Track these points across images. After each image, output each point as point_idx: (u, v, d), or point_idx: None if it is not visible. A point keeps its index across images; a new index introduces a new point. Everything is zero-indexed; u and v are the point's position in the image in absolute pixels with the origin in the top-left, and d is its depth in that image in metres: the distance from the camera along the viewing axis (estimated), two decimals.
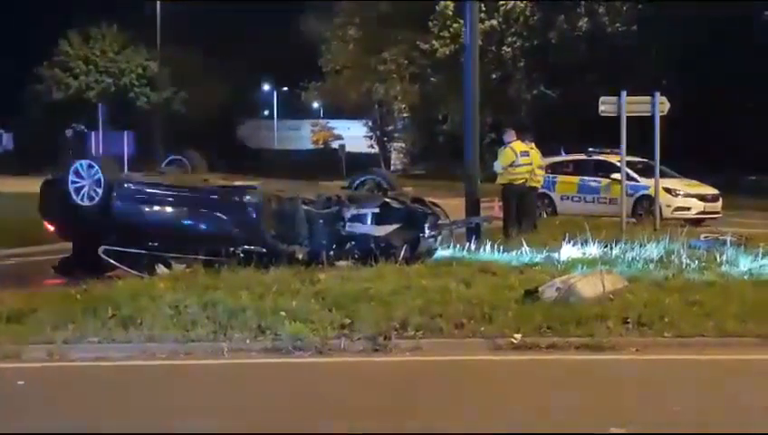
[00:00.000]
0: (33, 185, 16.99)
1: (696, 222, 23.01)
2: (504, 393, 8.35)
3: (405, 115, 57.19)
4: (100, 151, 44.80)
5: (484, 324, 10.22)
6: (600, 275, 11.56)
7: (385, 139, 59.30)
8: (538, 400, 8.10)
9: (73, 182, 13.76)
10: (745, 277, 12.83)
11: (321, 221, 13.86)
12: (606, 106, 19.71)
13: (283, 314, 10.26)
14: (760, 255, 14.11)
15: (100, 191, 13.63)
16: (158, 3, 49.09)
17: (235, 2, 56.29)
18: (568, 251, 14.76)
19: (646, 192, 22.76)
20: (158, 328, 9.93)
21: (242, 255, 13.12)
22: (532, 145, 18.94)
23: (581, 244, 15.16)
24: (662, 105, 19.60)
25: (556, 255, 14.45)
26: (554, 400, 8.07)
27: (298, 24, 54.54)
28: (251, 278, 11.80)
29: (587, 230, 15.36)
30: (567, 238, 15.39)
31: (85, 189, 13.71)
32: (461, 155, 17.82)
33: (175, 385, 8.70)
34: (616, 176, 22.08)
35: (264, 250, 13.28)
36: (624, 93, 19.52)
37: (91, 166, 13.81)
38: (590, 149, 25.39)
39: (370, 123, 59.36)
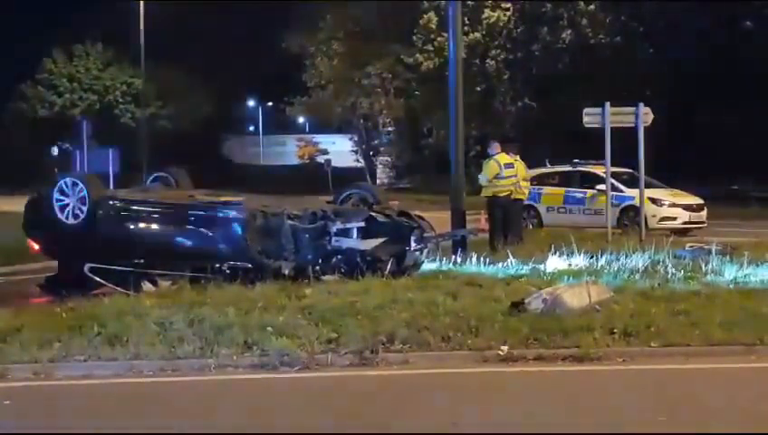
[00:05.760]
0: (17, 203, 16.94)
1: (681, 232, 23.08)
2: (491, 406, 8.35)
3: (390, 129, 57.23)
4: (85, 169, 44.61)
5: (471, 337, 10.23)
6: (585, 285, 11.59)
7: (370, 153, 59.27)
8: (525, 411, 8.11)
9: (58, 200, 13.71)
10: (730, 286, 12.88)
11: (306, 236, 13.84)
12: (590, 117, 19.78)
13: (269, 329, 10.25)
14: (745, 264, 14.17)
15: (85, 209, 13.58)
16: (142, 19, 49.04)
17: (219, 13, 56.31)
18: (554, 262, 14.79)
19: (631, 202, 22.83)
20: (144, 345, 9.89)
21: (228, 271, 13.11)
22: (517, 157, 18.98)
23: (567, 255, 15.18)
24: (646, 116, 19.65)
25: (542, 266, 14.47)
26: (541, 411, 8.08)
27: (283, 39, 54.52)
28: (237, 294, 11.78)
29: (573, 241, 15.38)
30: (553, 250, 15.42)
31: (70, 207, 13.66)
32: (446, 168, 17.84)
33: (162, 402, 8.67)
34: (601, 187, 22.13)
35: (250, 266, 13.27)
36: (608, 105, 19.59)
37: (75, 183, 13.76)
38: (576, 160, 25.47)
39: (356, 138, 59.36)
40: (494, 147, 18.67)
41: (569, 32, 43.86)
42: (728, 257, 14.90)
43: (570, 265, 14.75)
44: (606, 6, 43.55)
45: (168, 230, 13.70)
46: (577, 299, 11.09)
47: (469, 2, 42.33)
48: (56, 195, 13.72)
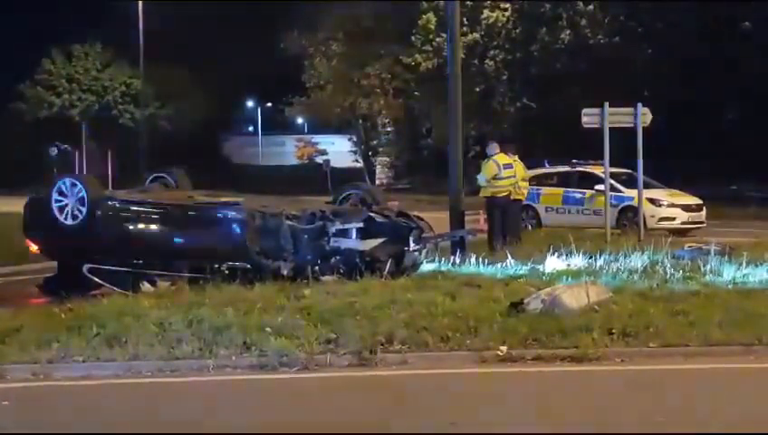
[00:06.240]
0: (16, 204, 16.94)
1: (680, 232, 23.09)
2: (490, 406, 8.35)
3: (389, 129, 57.25)
4: (84, 169, 44.68)
5: (470, 337, 10.24)
6: (584, 286, 11.59)
7: (369, 153, 59.31)
8: (524, 412, 8.11)
9: (57, 201, 13.70)
10: (729, 286, 12.89)
11: (305, 236, 13.85)
12: (588, 118, 19.82)
13: (268, 330, 10.25)
14: (743, 264, 14.17)
15: (83, 210, 13.58)
16: (141, 19, 49.06)
17: (218, 14, 56.28)
18: (553, 263, 14.79)
19: (630, 203, 22.82)
20: (143, 346, 9.89)
21: (227, 271, 13.10)
22: (516, 158, 19.00)
23: (566, 255, 15.19)
24: (644, 116, 19.70)
25: (541, 267, 14.48)
26: (540, 412, 8.08)
27: (282, 40, 54.53)
28: (236, 295, 11.78)
29: (571, 242, 15.38)
30: (552, 250, 15.42)
31: (69, 208, 13.66)
32: (445, 168, 17.86)
33: (161, 403, 8.67)
34: (600, 187, 22.15)
35: (249, 266, 13.27)
36: (606, 105, 19.62)
37: (74, 184, 13.76)
38: (574, 160, 25.47)
39: (354, 138, 59.40)
40: (493, 147, 18.69)
41: (567, 32, 43.87)
42: (727, 258, 14.90)
43: (568, 265, 14.76)
44: (605, 6, 43.56)
45: (167, 231, 13.71)
46: (576, 299, 11.09)
47: (468, 2, 42.36)
48: (55, 195, 13.71)
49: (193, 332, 10.24)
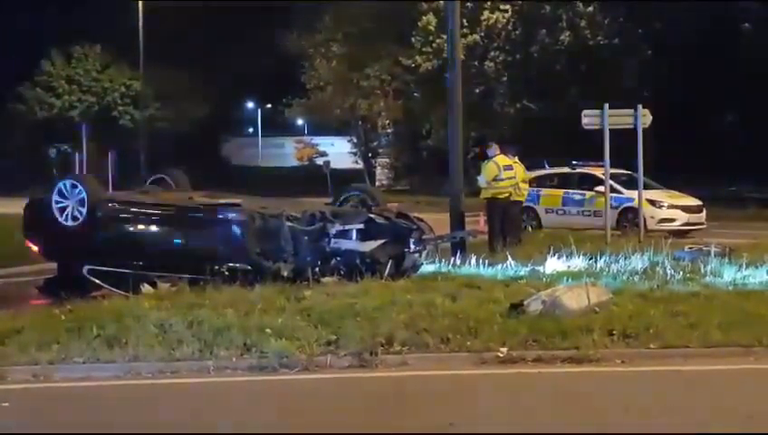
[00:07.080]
0: (16, 205, 16.94)
1: (680, 233, 23.09)
2: (489, 407, 8.35)
3: (389, 130, 57.24)
4: (84, 171, 44.58)
5: (470, 339, 10.23)
6: (584, 287, 11.58)
7: (369, 154, 59.28)
8: (524, 413, 8.11)
9: (57, 202, 13.70)
10: (729, 288, 12.89)
11: (305, 238, 13.85)
12: (588, 119, 19.83)
13: (268, 331, 10.25)
14: (743, 265, 14.18)
15: (83, 211, 13.57)
16: (141, 20, 49.06)
17: (218, 15, 56.26)
18: (553, 264, 14.80)
19: (630, 204, 22.83)
20: (143, 347, 9.89)
21: (227, 272, 13.10)
22: (516, 159, 19.01)
23: (566, 257, 15.19)
24: (644, 118, 19.69)
25: (541, 268, 14.48)
26: (540, 413, 8.09)
27: (281, 41, 54.53)
28: (236, 296, 11.78)
29: (571, 243, 15.39)
30: (552, 251, 15.43)
31: (69, 209, 13.65)
32: (445, 169, 17.86)
33: (161, 404, 8.67)
34: (600, 188, 22.16)
35: (249, 267, 13.27)
36: (606, 106, 19.62)
37: (74, 185, 13.75)
38: (574, 162, 25.47)
39: (354, 139, 59.39)
40: (494, 148, 18.69)
41: (567, 33, 43.89)
42: (727, 259, 14.91)
43: (569, 266, 14.76)
44: (605, 7, 43.59)
45: (167, 232, 13.70)
46: (576, 301, 11.09)
47: (468, 3, 42.38)
48: (55, 197, 13.70)
49: (193, 333, 10.23)
